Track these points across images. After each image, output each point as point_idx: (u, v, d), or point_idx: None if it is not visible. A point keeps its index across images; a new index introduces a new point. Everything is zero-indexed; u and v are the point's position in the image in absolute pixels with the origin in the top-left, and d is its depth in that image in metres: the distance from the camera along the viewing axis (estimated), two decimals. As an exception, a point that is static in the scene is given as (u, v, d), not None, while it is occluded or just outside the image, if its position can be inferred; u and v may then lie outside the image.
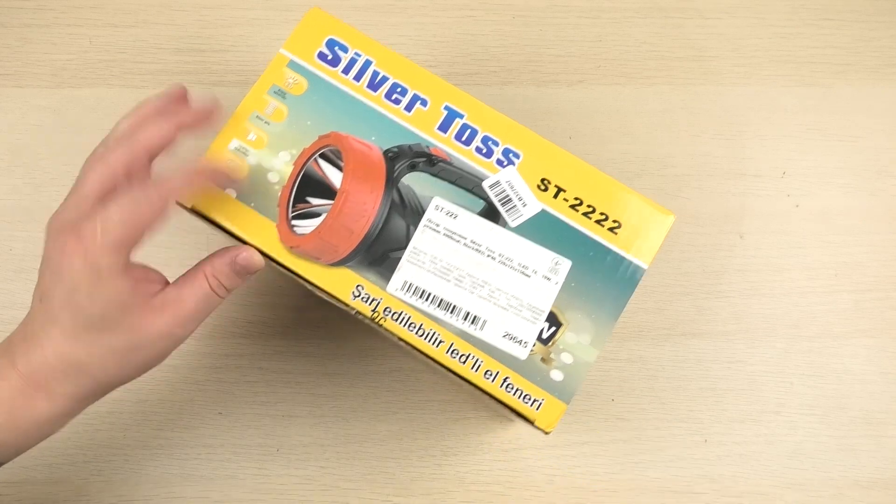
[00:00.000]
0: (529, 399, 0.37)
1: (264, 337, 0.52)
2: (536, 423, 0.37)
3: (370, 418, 0.51)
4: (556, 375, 0.37)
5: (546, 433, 0.37)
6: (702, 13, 0.58)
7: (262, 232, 0.37)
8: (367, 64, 0.39)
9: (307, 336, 0.52)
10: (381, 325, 0.37)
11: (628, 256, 0.38)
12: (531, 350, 0.37)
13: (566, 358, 0.37)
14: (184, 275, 0.36)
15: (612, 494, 0.50)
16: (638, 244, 0.38)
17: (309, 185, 0.38)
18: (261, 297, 0.52)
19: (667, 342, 0.52)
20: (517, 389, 0.37)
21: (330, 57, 0.39)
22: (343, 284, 0.37)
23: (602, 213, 0.38)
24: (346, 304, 0.37)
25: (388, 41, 0.56)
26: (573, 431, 0.51)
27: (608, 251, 0.38)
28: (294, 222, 0.37)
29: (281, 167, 0.38)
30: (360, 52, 0.39)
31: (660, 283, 0.53)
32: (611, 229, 0.38)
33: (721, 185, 0.54)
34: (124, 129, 0.35)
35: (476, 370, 0.37)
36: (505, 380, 0.37)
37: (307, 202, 0.38)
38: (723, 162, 0.55)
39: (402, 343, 0.38)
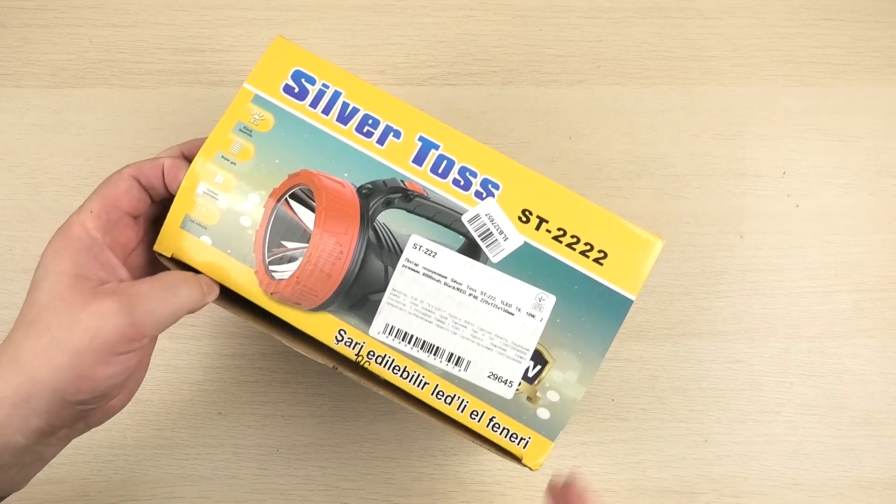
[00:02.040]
0: (516, 438, 0.36)
1: (264, 337, 0.51)
2: (524, 461, 0.36)
3: (370, 418, 0.51)
4: (543, 413, 0.36)
5: (532, 470, 0.37)
6: (702, 13, 0.58)
7: (241, 278, 0.36)
8: (336, 95, 0.38)
9: (307, 336, 0.52)
10: (365, 369, 0.37)
11: (614, 288, 0.36)
12: (517, 389, 0.36)
13: (552, 396, 0.36)
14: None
15: (612, 494, 0.50)
16: (624, 274, 0.36)
17: (282, 228, 0.36)
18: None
19: (667, 342, 0.52)
20: (503, 429, 0.36)
21: (297, 90, 0.38)
22: (326, 329, 0.36)
23: (587, 244, 0.36)
24: (330, 349, 0.37)
25: (388, 41, 0.57)
26: (573, 431, 0.51)
27: (594, 283, 0.36)
28: (272, 267, 0.36)
29: (252, 210, 0.36)
30: (327, 83, 0.38)
31: (660, 283, 0.53)
32: (596, 260, 0.36)
33: (721, 185, 0.54)
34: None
35: (462, 411, 0.37)
36: (491, 419, 0.36)
37: (282, 246, 0.36)
38: (723, 162, 0.55)
39: (382, 391, 0.37)
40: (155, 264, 0.38)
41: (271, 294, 0.36)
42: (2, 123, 0.54)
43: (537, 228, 0.37)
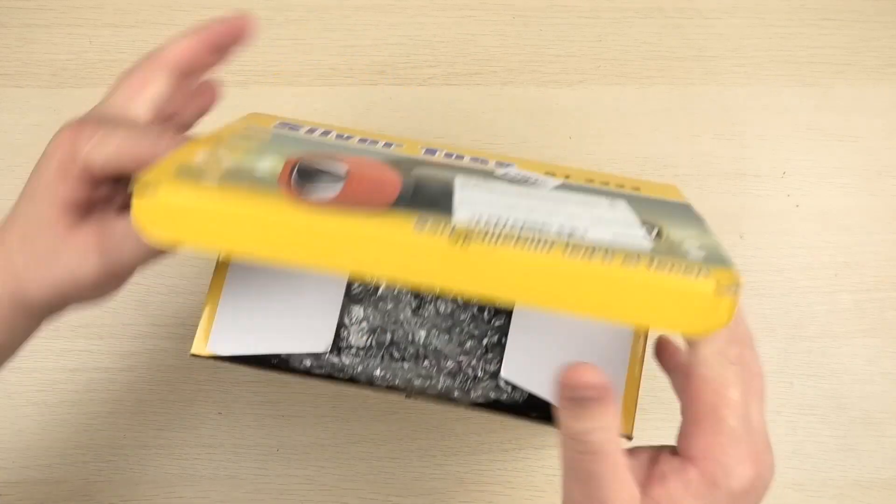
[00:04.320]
0: (692, 270, 0.25)
1: (264, 337, 0.52)
2: (721, 284, 0.25)
3: (370, 418, 0.51)
4: (696, 253, 0.27)
5: (725, 322, 0.26)
6: (702, 13, 0.58)
7: (269, 206, 0.26)
8: (330, 130, 0.36)
9: (307, 336, 0.52)
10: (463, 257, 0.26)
11: (665, 199, 0.36)
12: (653, 241, 0.28)
13: (690, 244, 0.28)
14: None
15: (612, 494, 0.50)
16: (664, 194, 0.36)
17: (308, 177, 0.29)
18: (261, 297, 0.52)
19: (667, 342, 0.52)
20: (670, 265, 0.26)
21: (289, 127, 0.36)
22: (401, 222, 0.26)
23: (617, 185, 0.36)
24: (411, 240, 0.26)
25: (388, 41, 0.57)
26: (573, 431, 0.51)
27: (644, 198, 0.34)
28: (308, 196, 0.28)
29: (268, 167, 0.29)
30: (316, 126, 0.37)
31: (660, 283, 0.53)
32: (633, 188, 0.36)
33: (721, 185, 0.54)
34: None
35: (609, 262, 0.26)
36: (652, 260, 0.26)
37: (313, 183, 0.29)
38: (723, 162, 0.55)
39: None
40: None
41: (326, 203, 0.28)
42: (2, 123, 0.54)
43: (566, 178, 0.36)
